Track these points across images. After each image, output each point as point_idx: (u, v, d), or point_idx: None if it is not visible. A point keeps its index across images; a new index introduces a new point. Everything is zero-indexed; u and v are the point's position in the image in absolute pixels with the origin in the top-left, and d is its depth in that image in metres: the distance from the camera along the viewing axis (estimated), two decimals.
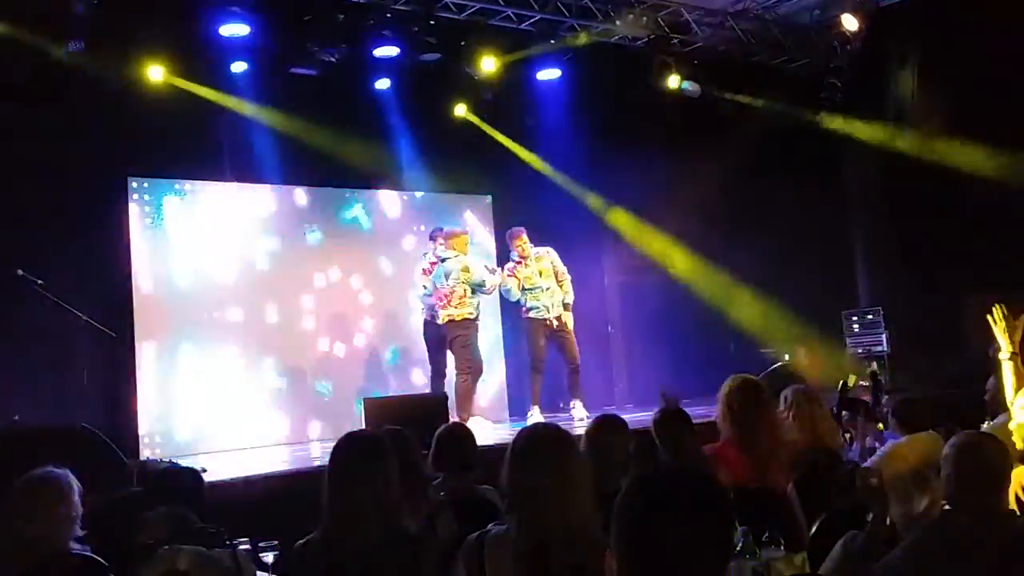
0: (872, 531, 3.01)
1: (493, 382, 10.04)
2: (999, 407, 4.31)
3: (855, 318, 10.52)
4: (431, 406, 7.09)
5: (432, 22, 8.66)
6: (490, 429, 8.08)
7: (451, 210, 10.47)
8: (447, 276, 8.08)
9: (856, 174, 11.02)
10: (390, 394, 9.17)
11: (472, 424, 7.09)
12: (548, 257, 8.52)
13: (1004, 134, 8.94)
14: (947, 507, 2.94)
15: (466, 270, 8.06)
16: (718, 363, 9.48)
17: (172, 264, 8.68)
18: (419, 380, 9.57)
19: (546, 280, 8.42)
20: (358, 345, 9.65)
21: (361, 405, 7.20)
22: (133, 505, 4.17)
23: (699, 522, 1.67)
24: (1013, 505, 3.23)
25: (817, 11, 10.59)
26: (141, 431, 8.13)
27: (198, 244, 8.85)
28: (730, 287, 10.88)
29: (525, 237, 8.50)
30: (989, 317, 4.14)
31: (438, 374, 8.54)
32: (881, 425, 5.30)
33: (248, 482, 5.70)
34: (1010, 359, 4.09)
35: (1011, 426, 3.91)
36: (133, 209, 8.55)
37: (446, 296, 8.10)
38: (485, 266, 8.49)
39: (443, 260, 8.20)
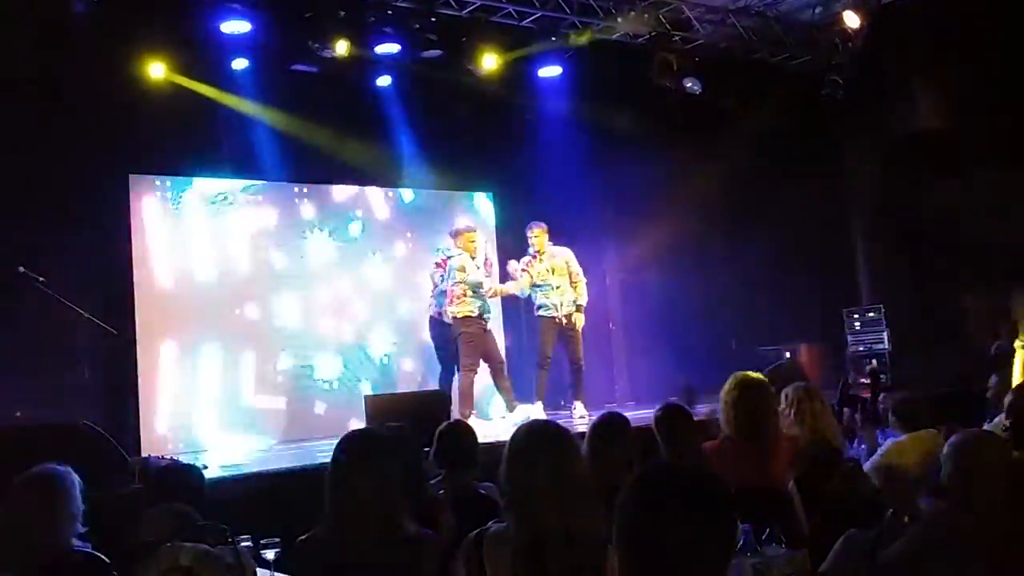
0: (888, 529, 2.99)
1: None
2: (1000, 405, 4.32)
3: (856, 316, 10.51)
4: (433, 403, 7.09)
5: (433, 19, 8.65)
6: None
7: (451, 207, 10.48)
8: (451, 274, 8.12)
9: (857, 172, 11.01)
10: (393, 391, 9.18)
11: (474, 421, 7.10)
12: (564, 256, 8.49)
13: (1004, 132, 8.94)
14: (947, 505, 2.94)
15: (462, 269, 8.08)
16: (719, 361, 9.49)
17: (173, 261, 8.69)
18: (422, 377, 9.58)
19: (558, 278, 8.41)
20: (360, 342, 9.65)
21: (363, 402, 7.20)
22: (135, 502, 4.19)
23: (700, 520, 1.68)
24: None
25: (818, 8, 10.57)
26: (142, 428, 8.13)
27: (199, 241, 8.86)
28: (731, 284, 10.88)
29: (542, 232, 8.47)
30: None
31: (446, 371, 8.56)
32: (877, 423, 5.31)
33: (249, 479, 5.71)
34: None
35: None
36: (134, 206, 8.56)
37: (451, 293, 8.13)
38: (485, 260, 8.49)
39: (450, 257, 8.23)
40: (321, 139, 8.90)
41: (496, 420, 8.35)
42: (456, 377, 8.21)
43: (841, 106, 10.53)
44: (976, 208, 9.38)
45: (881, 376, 8.36)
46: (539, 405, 8.31)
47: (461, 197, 10.67)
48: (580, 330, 8.51)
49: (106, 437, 5.37)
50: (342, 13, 8.26)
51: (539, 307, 8.48)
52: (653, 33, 9.64)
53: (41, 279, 6.65)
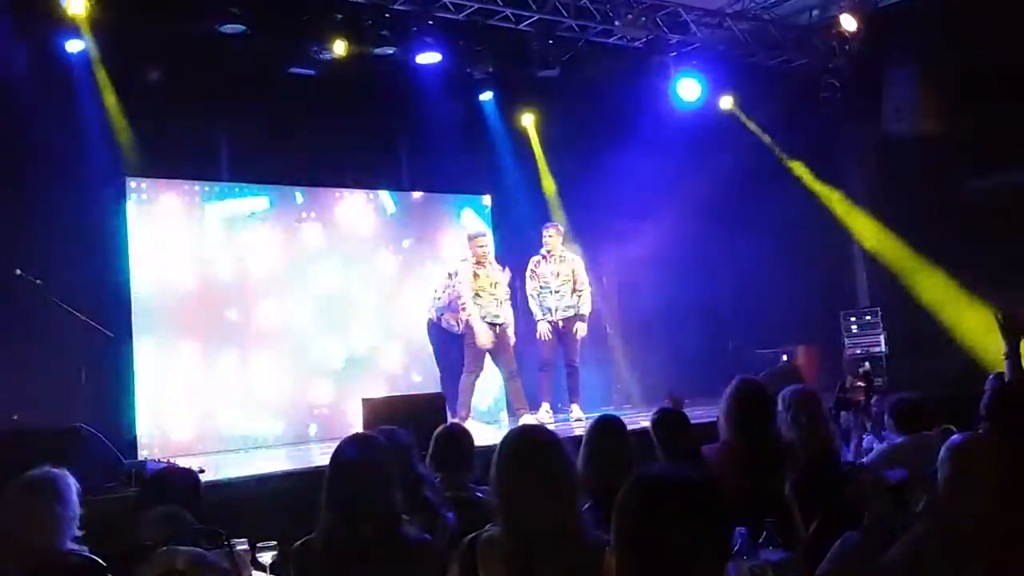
0: (868, 530, 3.01)
1: (493, 383, 10.02)
2: None
3: (853, 318, 10.53)
4: (430, 406, 7.07)
5: (430, 22, 8.65)
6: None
7: (449, 210, 10.48)
8: (458, 280, 8.26)
9: (855, 174, 11.02)
10: (389, 394, 9.16)
11: (471, 424, 7.11)
12: (572, 265, 8.51)
13: (1003, 134, 8.95)
14: (944, 507, 2.94)
15: (468, 276, 8.13)
16: (717, 364, 9.51)
17: (170, 264, 8.68)
18: (419, 380, 9.58)
19: (560, 284, 8.42)
20: (357, 345, 9.64)
21: (360, 404, 7.20)
22: (131, 505, 4.18)
23: (697, 523, 1.68)
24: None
25: (816, 11, 10.60)
26: (139, 431, 8.13)
27: (196, 244, 8.86)
28: (729, 287, 10.89)
29: (557, 233, 8.51)
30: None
31: (444, 375, 8.58)
32: (869, 425, 5.31)
33: (246, 483, 5.71)
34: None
35: None
36: (131, 209, 8.55)
37: (455, 299, 8.29)
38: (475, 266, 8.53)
39: (464, 262, 8.32)
40: (318, 142, 8.91)
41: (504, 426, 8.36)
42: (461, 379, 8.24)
43: (838, 109, 10.55)
44: (975, 209, 9.40)
45: (875, 379, 8.35)
46: (545, 406, 8.34)
47: (460, 200, 10.65)
48: (579, 338, 8.50)
49: (102, 440, 5.37)
50: (339, 16, 8.27)
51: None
52: (650, 36, 9.66)
53: (38, 281, 6.64)
